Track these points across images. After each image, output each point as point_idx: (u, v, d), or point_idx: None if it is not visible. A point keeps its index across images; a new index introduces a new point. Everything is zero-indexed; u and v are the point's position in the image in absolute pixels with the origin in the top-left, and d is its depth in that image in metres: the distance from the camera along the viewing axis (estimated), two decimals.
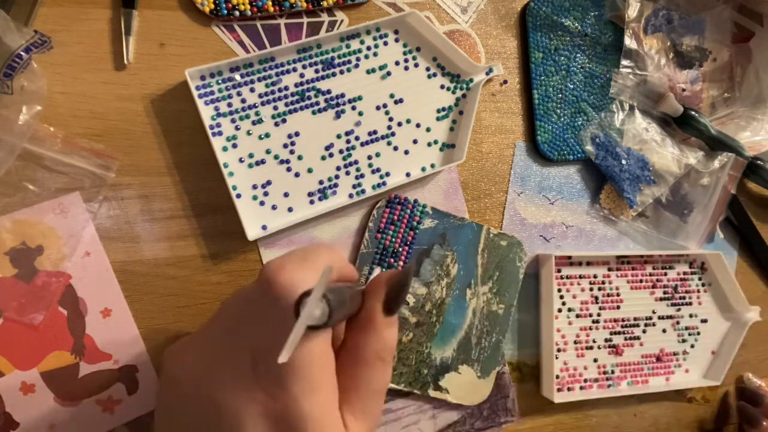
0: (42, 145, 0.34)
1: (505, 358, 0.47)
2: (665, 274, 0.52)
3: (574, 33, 0.49)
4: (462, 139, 0.44)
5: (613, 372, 0.50)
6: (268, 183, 0.40)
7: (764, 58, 0.56)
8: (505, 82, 0.48)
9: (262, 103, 0.40)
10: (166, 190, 0.38)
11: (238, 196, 0.39)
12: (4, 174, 0.34)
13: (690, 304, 0.53)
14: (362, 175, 0.42)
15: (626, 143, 0.50)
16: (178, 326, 0.38)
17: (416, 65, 0.44)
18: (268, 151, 0.40)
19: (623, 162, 0.50)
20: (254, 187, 0.40)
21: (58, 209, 0.35)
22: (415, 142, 0.44)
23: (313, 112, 0.41)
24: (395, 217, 0.43)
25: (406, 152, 0.44)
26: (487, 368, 0.45)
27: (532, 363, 0.48)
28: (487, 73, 0.46)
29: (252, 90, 0.40)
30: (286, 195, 0.40)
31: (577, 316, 0.49)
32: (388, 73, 0.43)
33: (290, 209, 0.40)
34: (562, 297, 0.49)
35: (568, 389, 0.48)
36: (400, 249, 0.43)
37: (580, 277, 0.49)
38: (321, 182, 0.41)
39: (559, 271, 0.48)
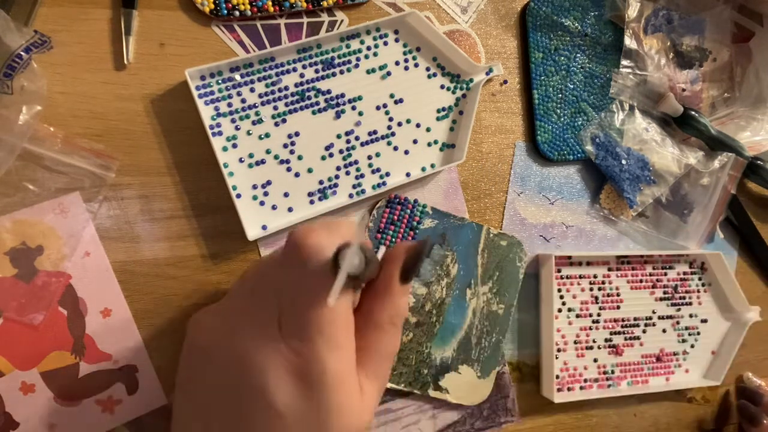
0: (42, 145, 0.34)
1: (505, 358, 0.47)
2: (665, 274, 0.52)
3: (574, 33, 0.49)
4: (462, 139, 0.44)
5: (613, 372, 0.50)
6: (268, 183, 0.40)
7: (764, 58, 0.56)
8: (505, 82, 0.48)
9: (262, 103, 0.40)
10: (166, 190, 0.38)
11: (238, 196, 0.39)
12: (4, 174, 0.34)
13: (690, 304, 0.53)
14: (362, 175, 0.42)
15: (626, 143, 0.51)
16: (179, 326, 0.38)
17: (416, 65, 0.44)
18: (268, 151, 0.40)
19: (623, 162, 0.50)
20: (254, 187, 0.40)
21: (58, 209, 0.35)
22: (415, 142, 0.44)
23: (313, 112, 0.41)
24: (395, 217, 0.43)
25: (406, 152, 0.44)
26: (487, 368, 0.45)
27: (532, 363, 0.48)
28: (487, 73, 0.46)
29: (252, 90, 0.40)
30: (286, 195, 0.40)
31: (577, 316, 0.49)
32: (388, 73, 0.43)
33: (290, 209, 0.40)
34: (562, 297, 0.49)
35: (568, 389, 0.48)
36: None
37: (580, 277, 0.49)
38: (321, 182, 0.41)
39: (559, 271, 0.48)
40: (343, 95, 0.42)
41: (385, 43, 0.43)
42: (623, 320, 0.51)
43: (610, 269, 0.50)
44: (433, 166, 0.44)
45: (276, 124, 0.40)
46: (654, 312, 0.52)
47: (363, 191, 0.42)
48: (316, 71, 0.41)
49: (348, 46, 0.42)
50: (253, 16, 0.40)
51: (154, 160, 0.38)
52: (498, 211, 0.47)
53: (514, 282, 0.46)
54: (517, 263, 0.46)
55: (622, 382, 0.50)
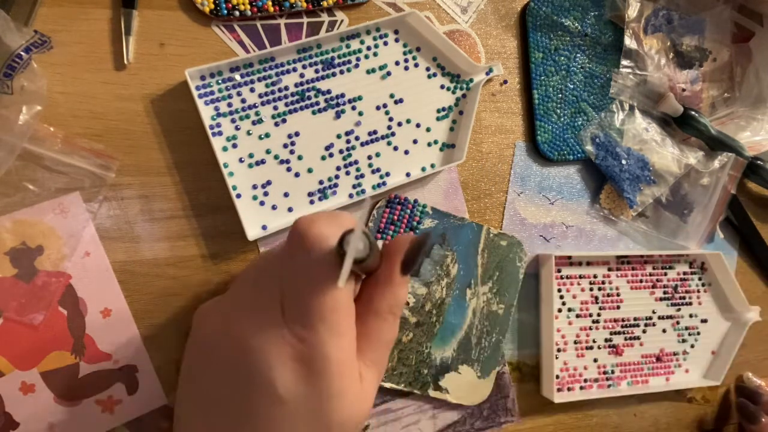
0: (42, 145, 0.34)
1: (505, 358, 0.47)
2: (665, 274, 0.52)
3: (574, 33, 0.49)
4: (462, 139, 0.44)
5: (613, 372, 0.50)
6: (268, 183, 0.40)
7: (764, 58, 0.56)
8: (505, 82, 0.48)
9: (262, 103, 0.40)
10: (166, 190, 0.38)
11: (238, 196, 0.39)
12: (4, 174, 0.34)
13: (690, 304, 0.53)
14: (362, 175, 0.42)
15: (626, 143, 0.51)
16: (179, 326, 0.38)
17: (416, 65, 0.44)
18: (268, 151, 0.40)
19: (623, 162, 0.50)
20: (254, 187, 0.40)
21: (58, 209, 0.35)
22: (415, 142, 0.44)
23: (313, 112, 0.41)
24: (395, 217, 0.43)
25: (406, 152, 0.44)
26: (487, 368, 0.45)
27: (532, 363, 0.48)
28: (487, 73, 0.46)
29: (252, 90, 0.40)
30: (286, 195, 0.40)
31: (577, 316, 0.49)
32: (388, 73, 0.43)
33: (290, 209, 0.40)
34: (562, 297, 0.49)
35: (568, 389, 0.48)
36: None
37: (580, 277, 0.49)
38: (321, 182, 0.41)
39: (559, 271, 0.48)
40: (343, 95, 0.42)
41: (385, 43, 0.43)
42: (623, 320, 0.51)
43: (610, 269, 0.50)
44: (433, 166, 0.44)
45: (276, 124, 0.40)
46: (654, 312, 0.52)
47: (363, 191, 0.42)
48: (316, 71, 0.41)
49: (348, 46, 0.42)
50: (253, 16, 0.40)
51: (154, 160, 0.38)
52: (498, 211, 0.47)
53: (514, 282, 0.46)
54: (517, 263, 0.46)
55: (622, 382, 0.50)
